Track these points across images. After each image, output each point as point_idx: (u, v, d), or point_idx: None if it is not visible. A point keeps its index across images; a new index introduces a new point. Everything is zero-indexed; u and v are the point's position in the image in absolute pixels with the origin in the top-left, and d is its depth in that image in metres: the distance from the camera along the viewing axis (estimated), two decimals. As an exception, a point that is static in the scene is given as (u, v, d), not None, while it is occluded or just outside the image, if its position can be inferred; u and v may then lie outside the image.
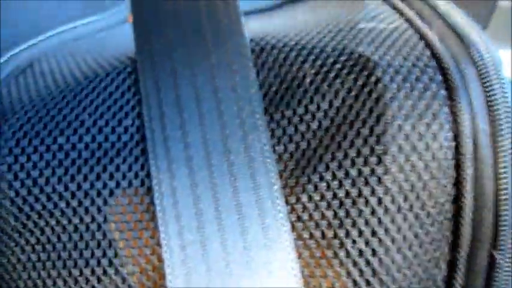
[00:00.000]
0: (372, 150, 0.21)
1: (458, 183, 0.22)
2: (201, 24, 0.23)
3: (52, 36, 0.29)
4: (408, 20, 0.24)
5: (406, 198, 0.21)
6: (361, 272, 0.21)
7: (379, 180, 0.21)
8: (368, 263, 0.21)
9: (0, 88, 0.25)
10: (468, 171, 0.21)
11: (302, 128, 0.22)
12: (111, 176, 0.22)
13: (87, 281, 0.22)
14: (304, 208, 0.22)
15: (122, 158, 0.22)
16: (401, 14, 0.24)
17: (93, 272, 0.22)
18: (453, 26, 0.23)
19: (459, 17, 0.23)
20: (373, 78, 0.22)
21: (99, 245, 0.22)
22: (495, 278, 0.22)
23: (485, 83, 0.22)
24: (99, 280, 0.22)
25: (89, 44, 0.28)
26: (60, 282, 0.22)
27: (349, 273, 0.21)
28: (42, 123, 0.23)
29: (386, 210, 0.21)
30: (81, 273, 0.22)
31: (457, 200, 0.22)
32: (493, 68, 0.22)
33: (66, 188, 0.22)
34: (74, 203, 0.22)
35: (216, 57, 0.23)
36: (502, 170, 0.21)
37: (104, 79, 0.24)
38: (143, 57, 0.23)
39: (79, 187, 0.22)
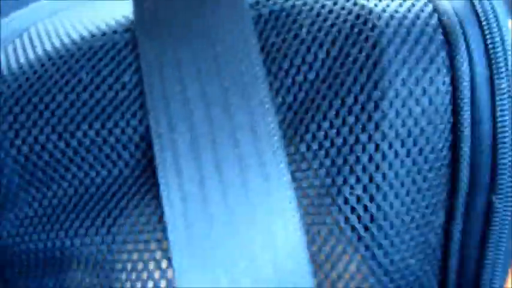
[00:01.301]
0: (369, 96, 0.21)
1: (456, 128, 0.22)
2: None
3: (47, 3, 0.29)
4: None
5: (403, 144, 0.21)
6: (359, 218, 0.21)
7: (377, 127, 0.21)
8: (366, 209, 0.21)
9: None
10: (466, 116, 0.21)
11: (299, 78, 0.22)
12: (110, 132, 0.22)
13: (97, 232, 0.22)
14: (303, 158, 0.22)
15: (120, 113, 0.22)
16: None
17: (92, 224, 0.22)
18: None
19: None
20: (369, 25, 0.21)
21: (101, 198, 0.22)
22: (493, 222, 0.22)
23: (484, 29, 0.22)
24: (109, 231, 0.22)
25: (84, 8, 0.28)
26: (62, 234, 0.23)
27: (347, 220, 0.21)
28: (40, 82, 0.23)
29: (383, 156, 0.21)
30: (82, 224, 0.23)
31: (455, 145, 0.22)
32: (492, 16, 0.22)
33: (68, 145, 0.22)
34: (77, 159, 0.22)
35: (213, 12, 0.22)
36: (499, 113, 0.21)
37: (100, 37, 0.24)
38: (141, 16, 0.23)
39: (80, 143, 0.22)
